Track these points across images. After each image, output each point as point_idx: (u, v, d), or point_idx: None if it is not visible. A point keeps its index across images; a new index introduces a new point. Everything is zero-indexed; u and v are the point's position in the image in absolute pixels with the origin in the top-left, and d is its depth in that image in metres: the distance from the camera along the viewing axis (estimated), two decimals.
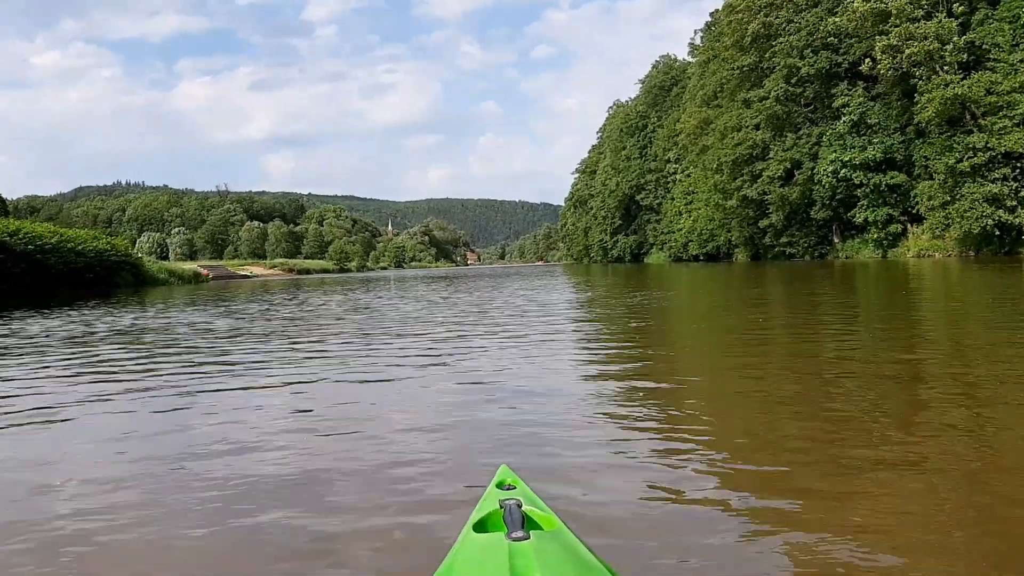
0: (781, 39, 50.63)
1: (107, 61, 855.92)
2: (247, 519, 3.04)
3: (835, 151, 46.26)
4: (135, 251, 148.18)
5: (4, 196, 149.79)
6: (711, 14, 73.66)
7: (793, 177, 51.76)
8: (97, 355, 8.78)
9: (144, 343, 10.41)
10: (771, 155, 52.57)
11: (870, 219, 45.01)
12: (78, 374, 7.15)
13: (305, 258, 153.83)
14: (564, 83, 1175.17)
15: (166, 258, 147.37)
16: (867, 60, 41.19)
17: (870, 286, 19.33)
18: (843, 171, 45.33)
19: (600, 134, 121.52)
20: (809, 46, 48.90)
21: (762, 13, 52.45)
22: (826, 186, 47.03)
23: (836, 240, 51.55)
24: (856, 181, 44.95)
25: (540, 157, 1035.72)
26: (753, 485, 3.19)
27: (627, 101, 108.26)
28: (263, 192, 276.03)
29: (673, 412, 4.65)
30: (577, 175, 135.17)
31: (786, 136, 51.79)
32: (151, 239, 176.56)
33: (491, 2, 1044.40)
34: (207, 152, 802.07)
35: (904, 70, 39.13)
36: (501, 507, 2.20)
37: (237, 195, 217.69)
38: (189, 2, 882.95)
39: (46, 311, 18.49)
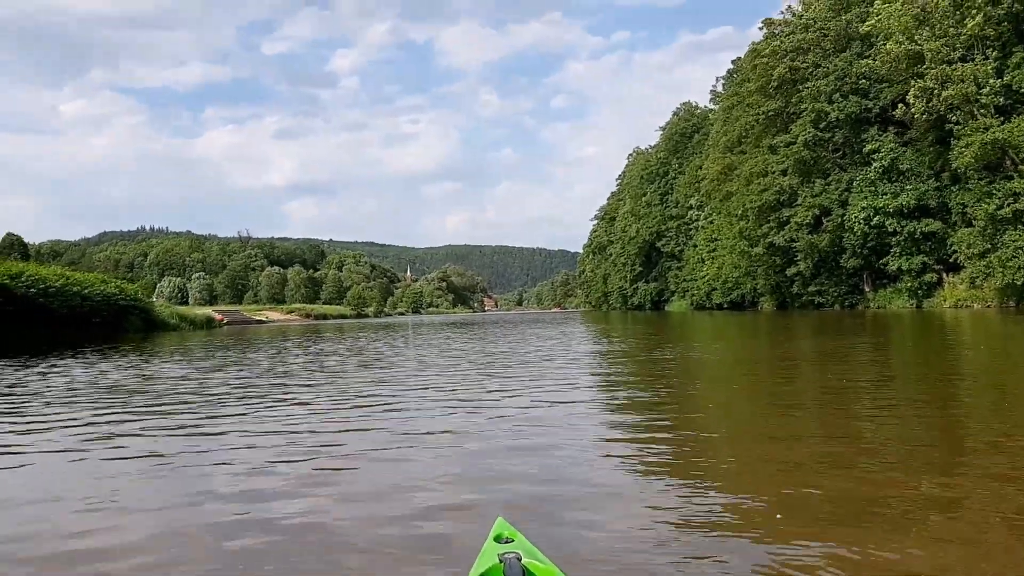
0: (809, 84, 49.60)
1: (133, 109, 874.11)
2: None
3: (866, 197, 44.88)
4: (155, 295, 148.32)
5: (27, 240, 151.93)
6: (733, 61, 73.33)
7: (822, 224, 50.35)
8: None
9: (86, 402, 9.10)
10: (799, 201, 51.20)
11: (904, 267, 43.35)
12: None
13: (324, 303, 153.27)
14: (581, 131, 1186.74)
15: (186, 302, 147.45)
16: (900, 105, 39.99)
17: (929, 340, 17.78)
18: (875, 218, 43.88)
19: (619, 180, 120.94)
20: (838, 90, 47.83)
21: (788, 58, 51.55)
22: (857, 233, 45.53)
23: (867, 289, 49.87)
24: (889, 228, 43.44)
25: (557, 204, 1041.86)
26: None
27: (647, 148, 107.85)
28: (284, 238, 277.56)
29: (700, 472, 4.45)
30: (596, 221, 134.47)
31: (814, 182, 50.48)
32: (171, 283, 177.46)
33: (510, 53, 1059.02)
34: (230, 198, 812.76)
35: (939, 114, 37.84)
36: (501, 561, 2.28)
37: (258, 241, 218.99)
38: (216, 53, 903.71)
39: (23, 359, 17.33)
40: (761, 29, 56.97)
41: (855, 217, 45.27)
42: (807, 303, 54.49)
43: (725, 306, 70.73)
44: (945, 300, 40.93)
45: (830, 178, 49.98)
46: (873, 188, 44.63)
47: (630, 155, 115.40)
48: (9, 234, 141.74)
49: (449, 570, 2.94)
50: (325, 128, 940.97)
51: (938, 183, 42.14)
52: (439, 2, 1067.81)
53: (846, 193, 47.95)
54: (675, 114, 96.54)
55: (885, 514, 3.55)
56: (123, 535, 3.70)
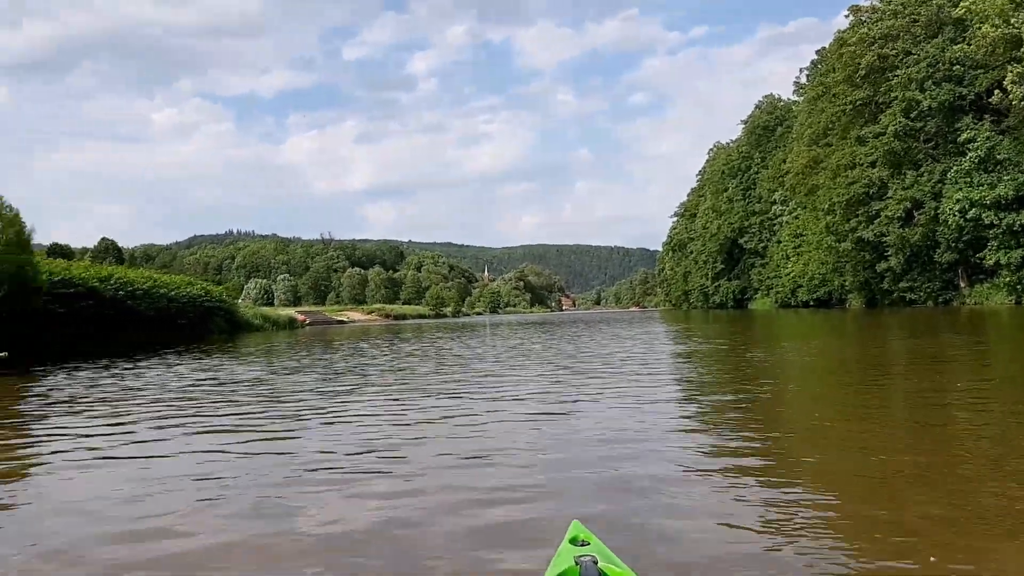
0: (898, 72, 47.69)
1: (220, 116, 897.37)
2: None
3: (961, 189, 42.87)
4: (242, 297, 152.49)
5: (122, 245, 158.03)
6: (817, 51, 71.05)
7: (914, 217, 48.36)
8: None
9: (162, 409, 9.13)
10: (889, 194, 49.29)
11: (1002, 262, 41.19)
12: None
13: (403, 303, 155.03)
14: (659, 128, 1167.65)
15: (271, 303, 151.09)
16: (996, 91, 38.04)
17: None
18: (972, 210, 41.83)
19: (700, 176, 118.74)
20: (930, 78, 45.86)
21: (876, 45, 49.71)
22: (952, 226, 43.50)
23: (963, 285, 47.68)
24: (986, 221, 41.37)
25: (635, 202, 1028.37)
26: None
27: (728, 143, 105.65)
28: (365, 240, 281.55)
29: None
30: (676, 219, 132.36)
31: (905, 174, 48.48)
32: (258, 285, 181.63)
33: (586, 51, 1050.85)
34: (313, 202, 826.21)
35: None
36: (576, 564, 2.29)
37: (340, 243, 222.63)
38: (299, 60, 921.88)
39: (102, 362, 17.76)
40: (847, 16, 55.05)
41: (949, 209, 43.27)
42: (898, 300, 52.46)
43: (811, 304, 68.70)
44: None
45: (922, 169, 47.93)
46: (969, 179, 42.61)
47: (710, 150, 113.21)
48: (104, 239, 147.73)
49: (523, 568, 3.02)
50: (402, 131, 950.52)
51: None
52: (516, 3, 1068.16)
53: (939, 185, 45.92)
54: (757, 107, 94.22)
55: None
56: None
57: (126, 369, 15.20)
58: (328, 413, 7.91)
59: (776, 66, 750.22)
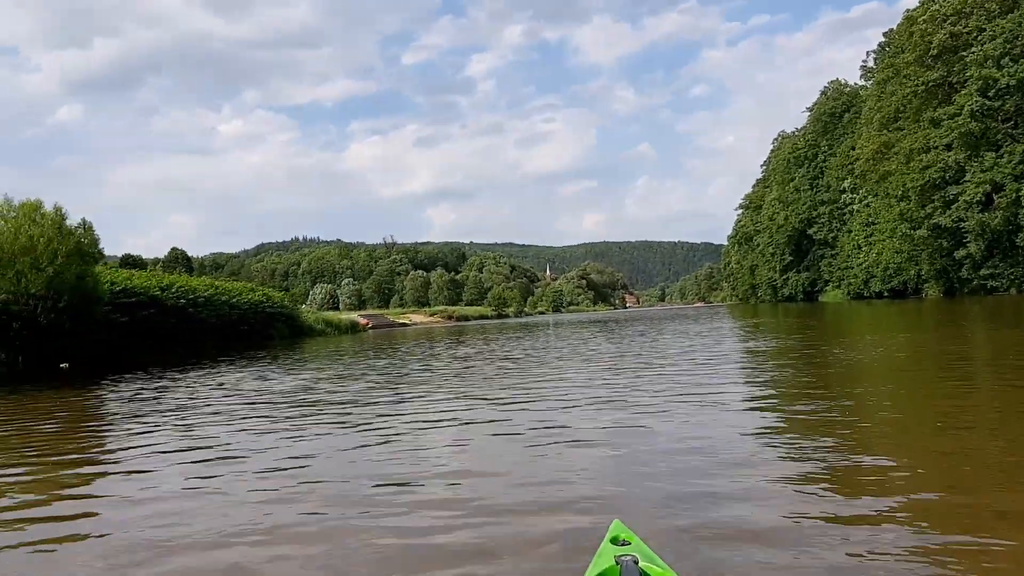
0: (973, 49, 45.42)
1: (285, 126, 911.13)
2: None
3: None
4: (308, 302, 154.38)
5: (190, 254, 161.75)
6: (884, 33, 68.40)
7: (994, 201, 45.99)
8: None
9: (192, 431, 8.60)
10: (967, 177, 46.91)
11: None
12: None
13: (466, 305, 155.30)
14: (720, 121, 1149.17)
15: (337, 307, 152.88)
16: None
17: None
18: None
19: (765, 167, 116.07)
20: (1007, 54, 43.48)
21: (948, 23, 47.49)
22: None
23: None
24: None
25: (697, 196, 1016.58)
26: None
27: (793, 132, 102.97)
28: (426, 243, 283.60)
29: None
30: (741, 211, 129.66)
31: (984, 155, 46.09)
32: (323, 290, 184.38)
33: (645, 46, 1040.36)
34: (375, 207, 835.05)
35: None
36: (617, 563, 2.27)
37: (402, 246, 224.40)
38: (359, 68, 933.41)
39: (162, 371, 17.51)
40: None
41: None
42: (978, 288, 50.05)
43: (885, 294, 66.27)
44: None
45: (1002, 150, 45.49)
46: None
47: (775, 139, 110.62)
48: (174, 249, 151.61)
49: (566, 566, 3.04)
50: (462, 133, 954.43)
51: None
52: (572, 1, 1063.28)
53: (1020, 166, 43.52)
54: (823, 93, 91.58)
55: None
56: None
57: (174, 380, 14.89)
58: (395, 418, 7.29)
59: (840, 53, 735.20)
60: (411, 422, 7.48)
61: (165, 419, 8.77)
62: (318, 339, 41.95)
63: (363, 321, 62.00)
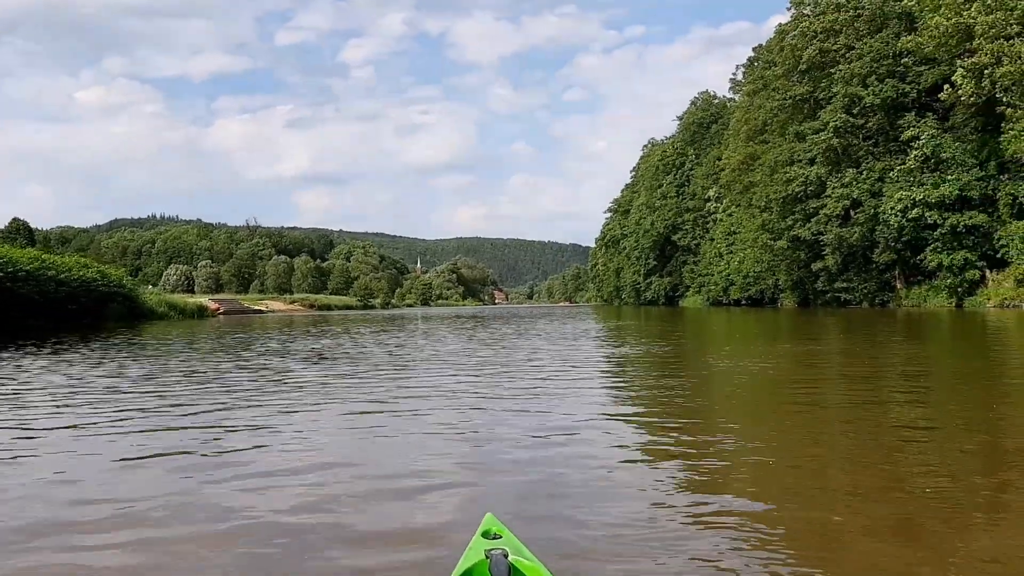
0: (841, 67, 46.36)
1: (149, 98, 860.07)
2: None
3: (902, 188, 41.58)
4: (161, 283, 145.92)
5: (37, 227, 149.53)
6: (754, 48, 69.67)
7: (852, 216, 47.19)
8: None
9: None
10: (827, 192, 47.92)
11: (944, 263, 39.89)
12: None
13: (331, 294, 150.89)
14: (595, 125, 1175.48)
15: (192, 290, 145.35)
16: (946, 86, 36.75)
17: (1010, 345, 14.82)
18: (914, 210, 40.47)
19: (634, 172, 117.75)
20: (873, 73, 44.51)
21: (818, 39, 48.35)
22: (893, 226, 42.09)
23: (899, 286, 46.61)
24: (929, 220, 40.04)
25: (570, 198, 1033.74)
26: None
27: (662, 140, 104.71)
28: (293, 228, 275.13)
29: None
30: (609, 214, 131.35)
31: (845, 171, 47.18)
32: (178, 271, 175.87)
33: (524, 47, 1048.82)
34: (243, 188, 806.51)
35: (989, 96, 34.69)
36: (487, 557, 2.28)
37: (266, 230, 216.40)
38: (231, 43, 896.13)
39: None
40: (789, 9, 53.57)
41: (891, 208, 41.85)
42: (832, 300, 51.44)
43: (743, 302, 67.72)
44: (989, 299, 37.75)
45: (862, 167, 46.67)
46: (911, 178, 41.30)
47: (645, 146, 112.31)
48: (15, 219, 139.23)
49: (435, 559, 3.05)
50: (337, 118, 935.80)
51: (983, 172, 38.89)
52: None
53: (879, 184, 44.70)
54: (693, 103, 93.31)
55: None
56: None
57: None
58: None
59: (711, 68, 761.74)
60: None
61: None
62: (159, 323, 38.61)
63: (213, 306, 58.05)
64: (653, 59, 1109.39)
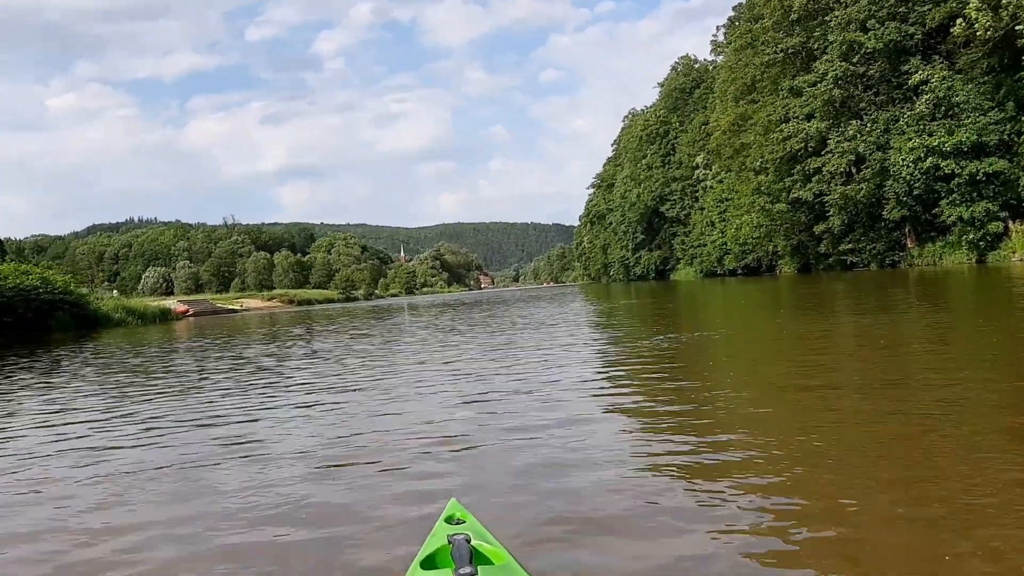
0: (836, 12, 43.03)
1: (122, 101, 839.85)
2: None
3: (911, 139, 38.30)
4: (140, 286, 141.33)
5: (9, 237, 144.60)
6: (734, 8, 66.10)
7: (855, 173, 43.99)
8: None
9: None
10: (829, 148, 44.61)
11: (964, 216, 36.57)
12: None
13: (313, 287, 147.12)
14: (572, 106, 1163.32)
15: (172, 292, 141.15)
16: (959, 21, 33.51)
17: None
18: (928, 159, 37.15)
19: (616, 145, 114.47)
20: (872, 16, 41.12)
21: None
22: (904, 179, 38.81)
23: (910, 244, 43.44)
24: (946, 170, 36.69)
25: (551, 179, 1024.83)
26: None
27: (643, 109, 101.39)
28: (274, 223, 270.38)
29: None
30: (592, 190, 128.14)
31: (846, 125, 43.88)
32: (156, 273, 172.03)
33: (496, 29, 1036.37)
34: (222, 186, 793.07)
35: (1007, 30, 31.47)
36: (449, 542, 2.22)
37: (245, 227, 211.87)
38: (202, 41, 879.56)
39: None
40: None
41: (902, 160, 38.49)
42: (836, 263, 48.30)
43: (739, 272, 64.66)
44: (1014, 251, 34.63)
45: (865, 119, 43.43)
46: (921, 126, 38.03)
47: (626, 117, 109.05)
48: None
49: (400, 549, 2.95)
50: (313, 111, 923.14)
51: (1001, 115, 35.62)
52: None
53: (885, 135, 41.46)
54: (673, 69, 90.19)
55: None
56: None
57: None
58: None
59: (684, 42, 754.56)
60: None
61: None
62: (113, 332, 35.06)
63: (180, 308, 54.26)
64: (626, 35, 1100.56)
